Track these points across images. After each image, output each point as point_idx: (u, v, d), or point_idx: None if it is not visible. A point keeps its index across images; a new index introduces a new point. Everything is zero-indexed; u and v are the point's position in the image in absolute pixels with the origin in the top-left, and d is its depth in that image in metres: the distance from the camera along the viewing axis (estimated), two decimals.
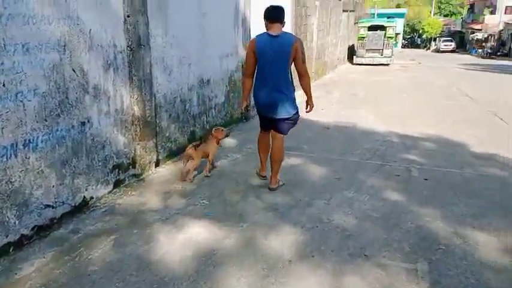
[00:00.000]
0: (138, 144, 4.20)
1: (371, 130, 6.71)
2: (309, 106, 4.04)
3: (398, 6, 66.36)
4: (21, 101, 2.85)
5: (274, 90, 3.78)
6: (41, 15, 2.97)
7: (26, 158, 2.95)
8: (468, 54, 39.21)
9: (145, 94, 4.20)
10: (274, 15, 3.76)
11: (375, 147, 5.69)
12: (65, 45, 3.19)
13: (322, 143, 5.90)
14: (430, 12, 61.42)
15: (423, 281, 2.61)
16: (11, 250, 2.88)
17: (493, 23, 40.08)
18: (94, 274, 2.66)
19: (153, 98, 4.38)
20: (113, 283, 2.57)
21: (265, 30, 3.81)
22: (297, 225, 3.33)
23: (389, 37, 21.10)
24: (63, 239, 3.11)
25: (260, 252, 2.92)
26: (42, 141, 3.08)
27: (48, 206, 3.20)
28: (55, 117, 3.17)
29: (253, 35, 7.07)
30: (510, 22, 35.88)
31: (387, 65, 20.55)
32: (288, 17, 7.15)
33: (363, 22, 21.98)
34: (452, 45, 44.29)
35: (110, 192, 3.88)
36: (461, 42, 48.28)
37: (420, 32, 59.87)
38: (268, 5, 3.87)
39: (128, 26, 3.88)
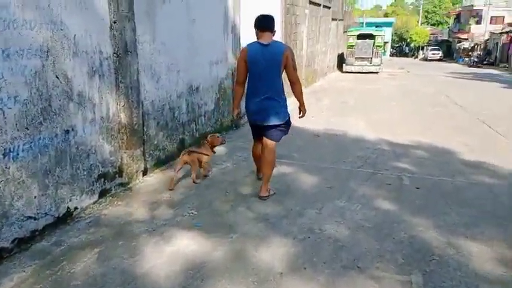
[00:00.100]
0: (124, 152, 4.09)
1: (361, 138, 6.68)
2: (301, 112, 4.09)
3: (386, 15, 67.38)
4: (0, 109, 2.74)
5: (266, 98, 3.80)
6: (23, 20, 2.87)
7: (5, 167, 2.82)
8: (455, 62, 39.81)
9: (132, 101, 4.10)
10: (264, 24, 3.79)
11: (365, 155, 5.65)
12: (47, 51, 3.08)
13: (312, 151, 5.85)
14: (418, 22, 62.45)
15: None
16: None
17: (479, 32, 40.84)
18: None
19: (141, 106, 4.28)
20: None
21: (256, 39, 3.85)
22: (288, 236, 3.25)
23: (378, 46, 21.29)
24: (45, 252, 2.98)
25: (250, 265, 2.83)
26: (23, 150, 2.96)
27: (29, 217, 3.07)
28: (37, 125, 3.05)
29: (243, 42, 7.05)
30: (495, 32, 36.56)
31: (376, 73, 20.72)
32: (277, 25, 7.13)
33: (352, 31, 22.17)
34: (439, 53, 44.96)
35: (95, 202, 3.76)
36: (448, 51, 49.03)
37: (408, 40, 60.78)
38: (258, 14, 3.89)
39: (114, 32, 3.79)
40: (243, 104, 4.12)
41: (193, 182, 4.35)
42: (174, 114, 5.05)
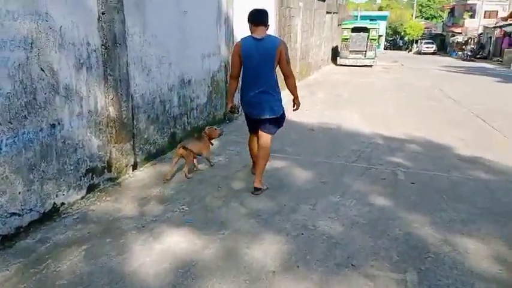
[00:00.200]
0: (113, 146, 3.98)
1: (356, 131, 6.62)
2: (295, 105, 4.09)
3: (380, 8, 67.23)
4: None
5: (261, 91, 3.81)
6: (5, 11, 2.75)
7: None
8: (449, 56, 39.89)
9: (121, 94, 3.98)
10: (258, 18, 3.79)
11: (360, 149, 5.58)
12: (32, 43, 2.96)
13: (306, 145, 5.77)
14: (412, 15, 62.35)
15: None
16: None
17: (472, 26, 40.89)
18: None
19: (130, 99, 4.16)
20: None
21: (250, 33, 3.83)
22: (281, 232, 3.17)
23: (373, 39, 21.21)
24: (30, 250, 2.88)
25: (242, 263, 2.75)
26: (6, 145, 2.85)
27: (13, 213, 2.96)
28: (21, 119, 2.94)
29: (236, 34, 6.93)
30: (489, 26, 36.62)
31: (370, 66, 20.67)
32: (271, 18, 7.00)
33: (346, 24, 22.06)
34: (433, 47, 45.00)
35: (82, 197, 3.65)
36: (442, 45, 49.10)
37: (402, 34, 60.74)
38: (252, 8, 3.87)
39: (103, 24, 3.66)
40: (237, 98, 4.13)
41: (186, 176, 4.27)
42: (165, 107, 4.94)
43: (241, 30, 6.98)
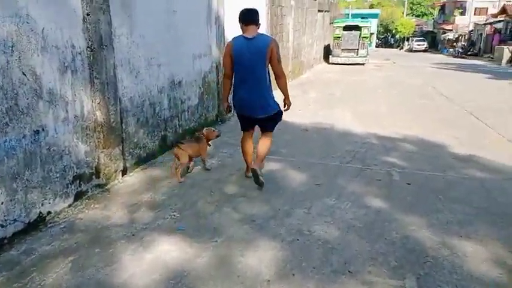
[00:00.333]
0: (102, 152, 3.86)
1: (350, 131, 6.55)
2: (286, 105, 4.10)
3: (371, 6, 67.36)
4: None
5: (254, 91, 3.83)
6: None
7: None
8: (440, 53, 40.05)
9: (109, 98, 3.86)
10: (248, 17, 3.79)
11: (354, 149, 5.51)
12: (12, 46, 2.84)
13: (301, 145, 5.69)
14: (403, 13, 62.59)
15: None
16: None
17: (463, 23, 41.14)
18: None
19: (118, 102, 4.04)
20: None
21: (241, 33, 3.84)
22: (276, 238, 3.08)
23: (364, 37, 21.19)
24: (14, 262, 2.76)
25: (236, 272, 2.65)
26: None
27: None
28: (2, 126, 2.81)
29: (227, 34, 6.82)
30: (479, 23, 36.85)
31: (363, 64, 20.65)
32: (263, 17, 6.92)
33: (338, 22, 22.01)
34: (424, 44, 45.20)
35: (70, 205, 3.53)
36: (433, 42, 49.37)
37: (393, 32, 60.94)
38: (243, 7, 3.87)
39: (88, 25, 3.54)
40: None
41: (175, 174, 4.18)
42: (155, 110, 4.82)
43: (233, 30, 6.88)
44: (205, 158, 4.52)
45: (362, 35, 20.95)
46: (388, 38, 65.25)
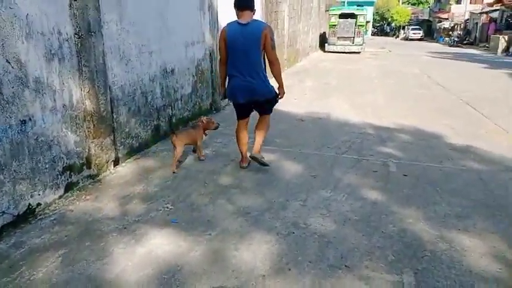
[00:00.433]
0: (92, 142, 3.76)
1: (346, 121, 6.47)
2: (280, 94, 4.07)
3: None
4: None
5: (249, 76, 3.81)
6: None
7: None
8: (436, 42, 39.98)
9: (98, 87, 3.74)
10: (243, 3, 3.76)
11: (350, 139, 5.44)
12: None
13: (296, 136, 5.60)
14: (399, 1, 62.17)
15: None
16: None
17: (459, 12, 40.97)
18: None
19: (108, 91, 3.92)
20: None
21: (236, 19, 3.80)
22: (271, 232, 3.01)
23: (360, 25, 21.02)
24: (3, 256, 2.68)
25: (230, 267, 2.59)
26: None
27: None
28: None
29: (221, 21, 6.66)
30: (475, 12, 36.69)
31: (358, 53, 20.52)
32: (257, 4, 6.76)
33: (333, 10, 21.78)
34: (420, 33, 45.07)
35: (60, 197, 3.44)
36: (429, 31, 49.20)
37: (389, 20, 60.64)
38: None
39: (75, 11, 3.40)
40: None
41: (173, 167, 4.12)
42: (147, 99, 4.70)
43: (227, 16, 6.73)
44: (200, 146, 4.45)
45: (358, 23, 20.77)
46: (384, 27, 64.96)
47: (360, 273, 2.54)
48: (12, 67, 2.84)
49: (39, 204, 3.21)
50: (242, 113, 4.13)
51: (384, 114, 6.96)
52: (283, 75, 4.17)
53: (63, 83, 3.35)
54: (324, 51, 20.91)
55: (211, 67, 6.59)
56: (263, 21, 6.99)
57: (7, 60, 2.78)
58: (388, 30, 62.34)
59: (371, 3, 50.97)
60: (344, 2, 36.25)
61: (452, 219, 3.27)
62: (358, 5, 29.91)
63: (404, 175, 4.20)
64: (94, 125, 3.74)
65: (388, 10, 59.27)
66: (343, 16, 20.93)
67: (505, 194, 3.81)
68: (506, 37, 24.95)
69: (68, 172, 3.51)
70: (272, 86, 4.00)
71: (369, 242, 2.90)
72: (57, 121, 3.32)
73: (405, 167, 4.45)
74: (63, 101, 3.37)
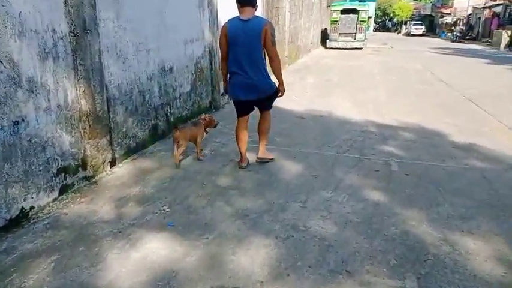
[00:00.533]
0: (88, 142, 3.68)
1: (347, 119, 6.38)
2: (280, 92, 4.06)
3: None
4: None
5: (250, 72, 3.80)
6: None
7: None
8: (438, 37, 39.67)
9: (94, 86, 3.66)
10: None
11: (352, 138, 5.36)
12: None
13: (297, 134, 5.52)
14: None
15: None
16: None
17: (461, 7, 40.63)
18: None
19: (105, 90, 3.84)
20: None
21: (237, 15, 3.81)
22: (270, 235, 2.94)
23: (362, 21, 20.84)
24: None
25: (227, 272, 2.52)
26: None
27: None
28: None
29: (220, 18, 6.57)
30: (478, 6, 36.40)
31: (360, 49, 20.36)
32: (258, 0, 6.67)
33: (335, 5, 21.60)
34: (422, 28, 44.74)
35: (55, 199, 3.37)
36: (431, 26, 48.86)
37: (391, 15, 60.28)
38: None
39: (70, 8, 3.32)
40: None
41: (179, 161, 4.20)
42: (145, 98, 4.62)
43: (227, 13, 6.64)
44: (200, 143, 4.42)
45: (360, 19, 20.60)
46: (386, 22, 64.58)
47: (361, 279, 2.47)
48: (5, 66, 2.77)
49: (32, 208, 3.14)
50: (242, 111, 4.09)
51: (386, 112, 6.87)
52: (283, 73, 4.17)
53: (57, 83, 3.27)
54: (326, 48, 20.76)
55: (211, 65, 6.50)
56: (264, 17, 6.91)
57: None
58: (390, 26, 61.96)
59: None
60: None
61: (456, 221, 3.19)
62: (360, 1, 29.72)
63: (407, 174, 4.11)
64: (90, 125, 3.67)
65: (390, 5, 58.91)
66: (344, 12, 20.75)
67: (509, 193, 3.72)
68: (509, 32, 24.73)
69: (63, 174, 3.44)
70: (273, 82, 4.01)
71: (371, 246, 2.82)
72: (51, 122, 3.25)
73: (407, 166, 4.36)
74: (57, 101, 3.30)
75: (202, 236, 2.91)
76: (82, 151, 3.65)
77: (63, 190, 3.46)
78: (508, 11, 30.71)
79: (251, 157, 4.36)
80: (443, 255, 2.72)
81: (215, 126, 4.65)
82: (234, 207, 3.37)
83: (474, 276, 2.51)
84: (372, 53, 18.85)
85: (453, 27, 39.70)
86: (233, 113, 4.21)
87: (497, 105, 7.49)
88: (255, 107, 4.13)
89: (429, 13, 52.89)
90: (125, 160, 4.33)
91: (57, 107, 3.30)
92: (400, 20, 56.11)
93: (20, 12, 2.88)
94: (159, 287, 2.37)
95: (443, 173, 4.19)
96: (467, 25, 38.12)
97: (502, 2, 31.14)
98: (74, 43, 3.40)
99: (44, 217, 3.15)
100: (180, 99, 5.52)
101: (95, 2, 3.59)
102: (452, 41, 32.89)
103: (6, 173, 2.89)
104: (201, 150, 4.48)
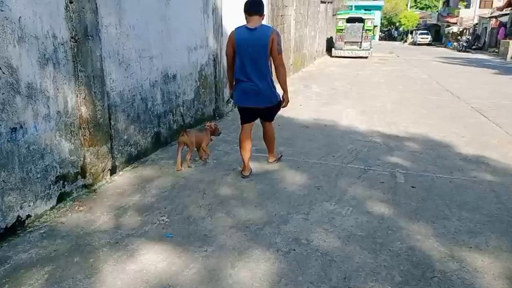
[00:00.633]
0: (87, 150, 3.63)
1: (352, 129, 6.29)
2: (284, 101, 4.11)
3: None
4: None
5: (256, 80, 3.85)
6: None
7: None
8: (444, 47, 39.52)
9: (95, 92, 3.61)
10: (251, 8, 3.83)
11: (356, 148, 5.26)
12: None
13: (300, 143, 5.44)
14: (407, 5, 61.83)
15: None
16: None
17: (467, 16, 40.50)
18: None
19: (106, 97, 3.79)
20: None
21: (244, 22, 3.88)
22: (271, 248, 2.85)
23: (368, 29, 20.76)
24: None
25: (226, 287, 2.43)
26: None
27: None
28: None
29: (225, 25, 6.54)
30: (484, 16, 36.27)
31: (366, 57, 20.28)
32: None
33: (341, 14, 21.57)
34: (428, 38, 44.61)
35: (52, 208, 3.31)
36: (437, 35, 48.72)
37: (397, 24, 60.29)
38: None
39: (71, 14, 3.28)
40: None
41: (188, 166, 4.33)
42: (147, 105, 4.57)
43: (231, 20, 6.61)
44: (206, 148, 4.50)
45: (365, 28, 20.53)
46: (391, 31, 64.60)
47: None
48: (3, 72, 2.72)
49: (29, 216, 3.08)
50: (247, 118, 4.13)
51: (391, 122, 6.77)
52: (288, 80, 4.19)
53: (57, 89, 3.23)
54: (331, 56, 20.71)
55: (215, 72, 6.46)
56: (269, 25, 6.87)
57: None
58: (396, 35, 61.93)
59: (379, 8, 50.72)
60: (352, 6, 36.10)
61: (464, 236, 3.08)
62: (365, 9, 29.72)
63: (413, 187, 4.01)
64: (90, 133, 3.61)
65: (396, 14, 58.94)
66: (350, 20, 20.70)
67: None
68: None
69: (61, 182, 3.38)
70: (278, 93, 4.05)
71: (375, 261, 2.72)
72: (50, 129, 3.20)
73: (413, 178, 4.26)
74: (57, 108, 3.25)
75: (201, 248, 2.83)
76: (82, 159, 3.59)
77: (61, 198, 3.40)
78: None
79: (254, 166, 4.29)
80: (450, 272, 2.62)
81: (218, 135, 4.74)
82: (235, 218, 3.29)
83: None
84: (378, 62, 18.78)
85: (459, 37, 39.54)
86: (236, 122, 4.16)
87: (506, 116, 7.36)
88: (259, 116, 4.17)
89: (435, 22, 52.78)
90: (126, 168, 4.27)
91: (57, 113, 3.26)
92: (406, 29, 56.06)
93: (20, 17, 2.84)
94: None
95: (451, 185, 4.09)
96: (474, 35, 37.95)
97: (508, 11, 31.01)
98: (75, 49, 3.36)
99: (41, 226, 3.09)
100: (183, 106, 5.47)
101: (97, 8, 3.56)
102: (459, 51, 32.73)
103: (3, 181, 2.83)
104: (207, 154, 4.54)
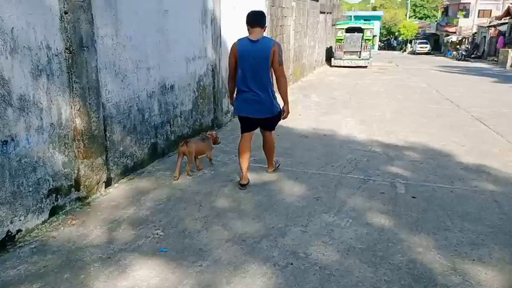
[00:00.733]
0: (82, 162, 3.57)
1: (352, 138, 6.23)
2: (284, 112, 4.11)
3: (374, 8, 67.15)
4: None
5: (257, 92, 3.88)
6: None
7: None
8: (443, 56, 39.64)
9: (90, 104, 3.56)
10: (253, 20, 3.89)
11: (356, 158, 5.20)
12: None
13: (299, 154, 5.38)
14: (406, 15, 62.22)
15: None
16: None
17: (466, 25, 40.71)
18: None
19: (101, 108, 3.74)
20: None
21: (242, 32, 3.99)
22: (268, 262, 2.77)
23: (367, 39, 20.83)
24: None
25: None
26: None
27: None
28: None
29: (224, 36, 6.53)
30: (483, 25, 36.44)
31: (365, 67, 20.31)
32: None
33: (340, 24, 21.67)
34: (427, 47, 44.81)
35: (44, 222, 3.23)
36: (436, 45, 48.90)
37: (396, 34, 60.60)
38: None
39: (66, 25, 3.25)
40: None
41: (188, 174, 4.34)
42: (144, 116, 4.52)
43: (230, 30, 6.60)
44: (211, 156, 4.63)
45: (365, 37, 20.60)
46: (390, 41, 64.91)
47: None
48: None
49: (19, 231, 3.01)
50: (247, 127, 4.15)
51: (391, 131, 6.72)
52: (288, 90, 4.14)
53: (51, 101, 3.18)
54: (331, 66, 20.75)
55: (214, 82, 6.42)
56: (269, 36, 6.87)
57: None
58: (395, 45, 62.17)
59: (378, 18, 51.12)
60: (351, 16, 36.31)
61: (466, 248, 3.00)
62: (365, 19, 29.88)
63: (413, 197, 3.94)
64: (84, 145, 3.55)
65: (395, 24, 59.28)
66: (350, 30, 20.78)
67: None
68: None
69: (54, 195, 3.32)
70: (279, 104, 4.07)
71: (375, 275, 2.64)
72: (43, 141, 3.15)
73: (414, 188, 4.19)
74: (50, 120, 3.20)
75: (196, 263, 2.75)
76: (75, 171, 3.53)
77: (54, 212, 3.33)
78: None
79: (252, 177, 4.23)
80: (453, 286, 2.54)
81: (218, 144, 4.78)
82: (231, 231, 3.22)
83: None
84: (377, 71, 18.79)
85: (458, 46, 39.69)
86: (235, 132, 4.12)
87: (506, 124, 7.31)
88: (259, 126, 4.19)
89: (434, 32, 53.03)
90: (121, 180, 4.20)
91: (50, 125, 3.20)
92: (405, 38, 56.30)
93: (13, 28, 2.81)
94: None
95: (452, 195, 4.01)
96: (473, 44, 38.09)
97: (507, 20, 31.14)
98: (70, 60, 3.32)
99: (32, 240, 3.02)
100: (181, 117, 5.42)
101: (92, 19, 3.53)
102: (458, 60, 32.81)
103: None
104: (211, 160, 4.67)
